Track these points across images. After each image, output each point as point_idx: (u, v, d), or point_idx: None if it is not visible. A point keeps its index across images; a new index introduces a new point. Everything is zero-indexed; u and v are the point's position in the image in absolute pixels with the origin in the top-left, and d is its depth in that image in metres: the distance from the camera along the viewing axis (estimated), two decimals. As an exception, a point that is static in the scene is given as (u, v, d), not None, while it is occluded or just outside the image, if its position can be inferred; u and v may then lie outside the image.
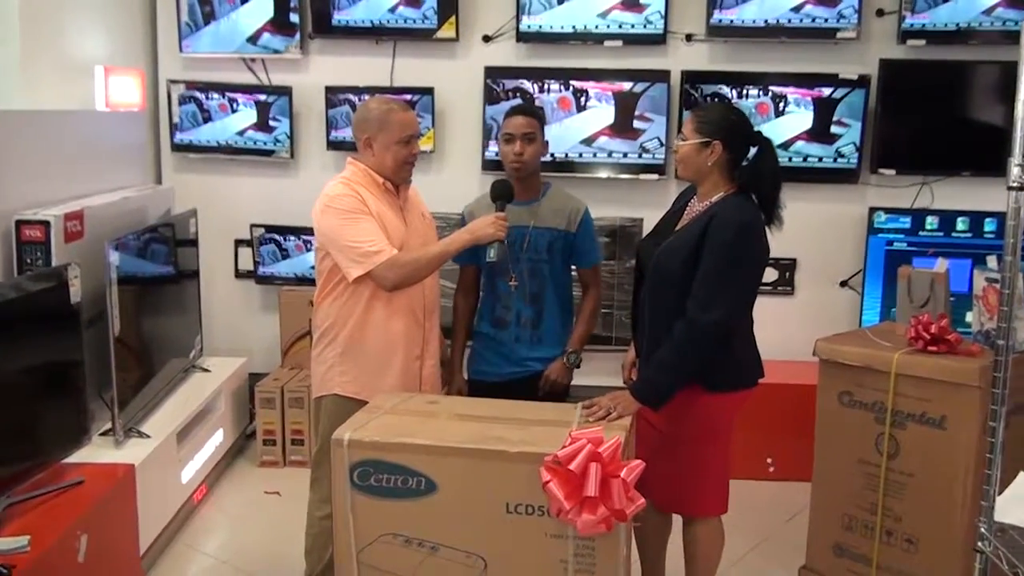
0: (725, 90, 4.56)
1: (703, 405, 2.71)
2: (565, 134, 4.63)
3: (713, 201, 2.71)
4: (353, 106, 4.66)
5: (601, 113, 4.63)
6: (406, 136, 2.93)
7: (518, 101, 4.56)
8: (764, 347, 2.84)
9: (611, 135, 4.64)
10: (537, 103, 4.57)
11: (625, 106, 4.61)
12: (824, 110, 4.54)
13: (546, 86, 4.62)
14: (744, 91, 4.56)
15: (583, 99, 4.62)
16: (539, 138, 3.16)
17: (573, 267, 3.31)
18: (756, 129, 2.78)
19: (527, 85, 4.62)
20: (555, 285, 3.21)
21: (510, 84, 4.62)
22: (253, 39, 4.71)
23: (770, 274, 4.68)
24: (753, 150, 2.74)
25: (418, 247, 2.94)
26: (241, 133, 4.80)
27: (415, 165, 3.01)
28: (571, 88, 4.61)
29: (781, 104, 4.55)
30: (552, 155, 4.58)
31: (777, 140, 2.70)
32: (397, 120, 2.92)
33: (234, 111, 4.79)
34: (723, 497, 2.86)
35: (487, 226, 2.90)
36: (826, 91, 4.52)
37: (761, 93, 4.55)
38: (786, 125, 4.55)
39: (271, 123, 4.77)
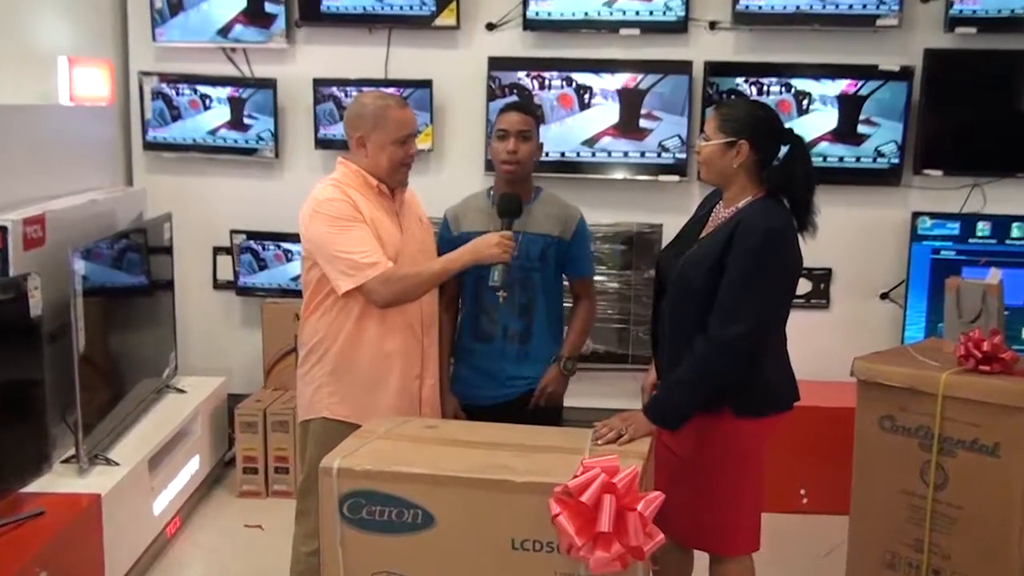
0: (744, 87, 4.56)
1: (732, 431, 2.70)
2: (567, 134, 4.64)
3: (740, 207, 2.71)
4: (340, 103, 4.67)
5: (605, 111, 4.63)
6: (403, 135, 2.94)
7: (515, 99, 4.57)
8: (796, 366, 2.84)
9: (615, 135, 4.64)
10: (536, 100, 4.58)
11: (631, 103, 4.61)
12: (850, 108, 4.53)
13: (547, 82, 4.62)
14: (765, 88, 4.56)
15: (586, 96, 4.62)
16: (535, 137, 3.18)
17: (566, 280, 3.34)
18: (787, 126, 2.78)
19: (526, 81, 4.62)
20: (546, 296, 3.22)
21: (507, 79, 4.62)
22: (224, 31, 4.72)
23: (803, 286, 4.68)
24: (783, 150, 2.75)
25: (416, 259, 2.95)
26: (213, 132, 4.81)
27: (412, 166, 3.02)
28: (573, 84, 4.62)
29: (805, 101, 4.55)
30: (562, 153, 4.60)
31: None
32: (393, 117, 2.93)
33: (207, 108, 4.80)
34: (755, 533, 2.85)
35: (491, 246, 2.90)
36: (854, 87, 4.50)
37: (783, 90, 4.55)
38: (809, 124, 4.53)
39: (246, 120, 4.78)
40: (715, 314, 2.59)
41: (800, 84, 4.55)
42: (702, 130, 2.82)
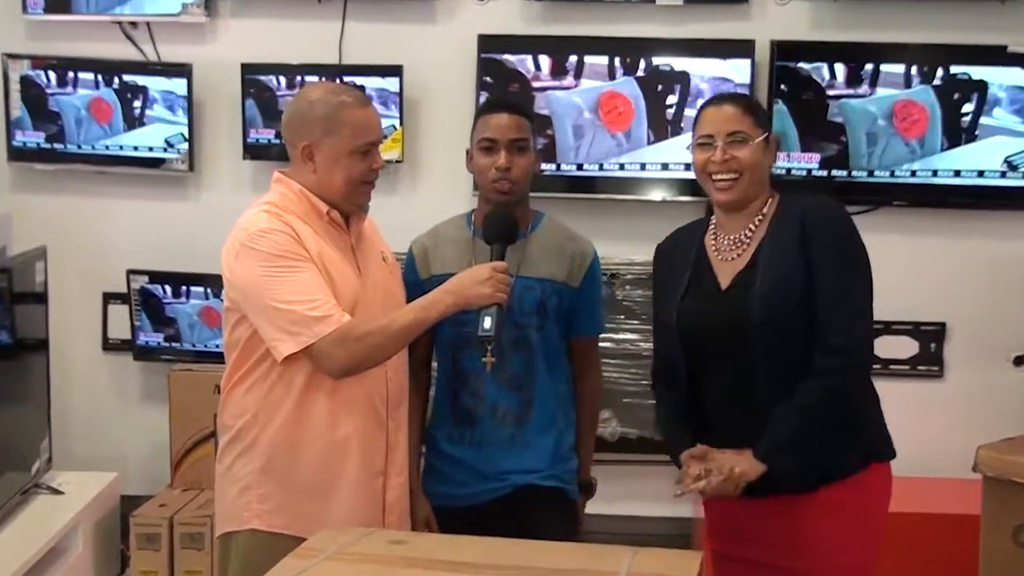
0: (830, 77, 4.60)
1: (863, 492, 2.76)
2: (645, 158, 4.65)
3: (765, 213, 2.84)
4: (278, 97, 4.70)
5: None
6: (364, 143, 2.95)
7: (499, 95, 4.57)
8: (900, 457, 2.85)
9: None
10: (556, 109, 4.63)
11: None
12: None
13: (584, 64, 4.62)
14: (876, 76, 4.58)
15: (672, 101, 4.61)
16: (532, 147, 3.21)
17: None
18: None
19: (538, 66, 4.66)
20: (548, 361, 3.20)
21: (508, 67, 4.66)
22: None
23: (907, 347, 4.67)
24: None
25: (379, 310, 2.96)
26: (111, 146, 4.86)
27: (375, 184, 3.05)
28: (648, 74, 4.61)
29: (968, 105, 4.56)
30: (578, 165, 4.63)
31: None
32: (351, 120, 2.94)
33: (104, 116, 4.84)
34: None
35: (480, 283, 2.90)
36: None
37: (921, 78, 4.53)
38: (981, 153, 4.56)
39: (147, 119, 4.82)
40: (830, 324, 2.69)
41: (961, 71, 4.56)
42: (728, 130, 2.84)
